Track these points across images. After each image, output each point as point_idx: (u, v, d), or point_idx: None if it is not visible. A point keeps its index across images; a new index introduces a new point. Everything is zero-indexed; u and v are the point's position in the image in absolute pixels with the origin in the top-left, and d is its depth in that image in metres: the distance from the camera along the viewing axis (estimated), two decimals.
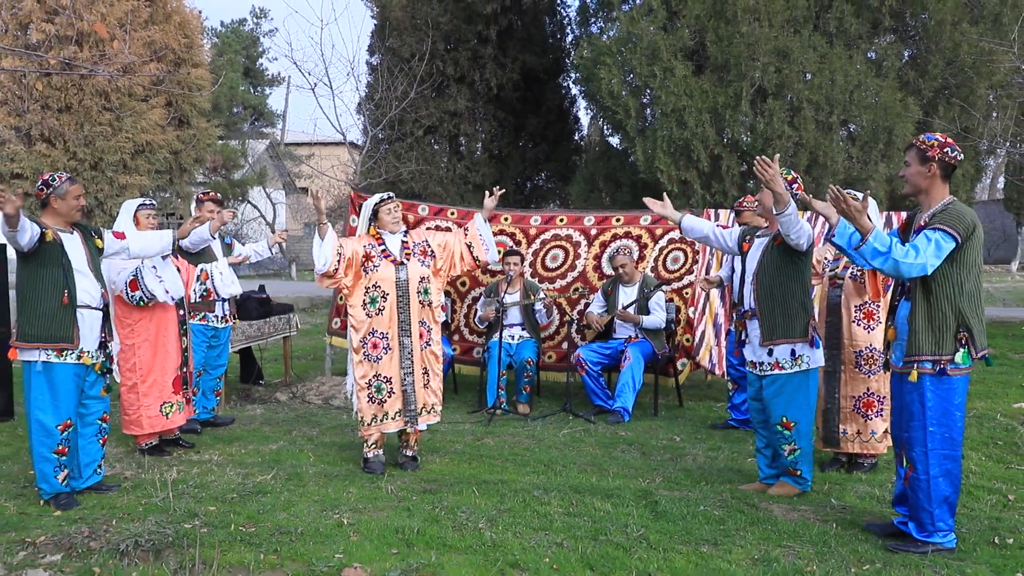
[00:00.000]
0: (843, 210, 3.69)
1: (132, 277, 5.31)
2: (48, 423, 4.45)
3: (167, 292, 5.41)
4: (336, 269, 5.11)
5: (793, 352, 4.58)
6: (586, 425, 6.64)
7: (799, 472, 4.72)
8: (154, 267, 5.40)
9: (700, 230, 5.12)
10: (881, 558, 3.78)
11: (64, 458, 4.52)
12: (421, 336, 5.26)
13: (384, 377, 5.19)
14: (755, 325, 4.70)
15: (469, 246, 5.40)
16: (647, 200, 5.18)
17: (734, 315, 4.88)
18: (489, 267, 5.40)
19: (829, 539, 4.00)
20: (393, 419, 5.22)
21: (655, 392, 7.24)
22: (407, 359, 5.20)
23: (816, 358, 4.62)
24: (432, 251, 5.36)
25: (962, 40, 10.38)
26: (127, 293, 5.31)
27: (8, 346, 4.44)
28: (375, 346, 5.19)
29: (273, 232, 24.75)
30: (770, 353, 4.63)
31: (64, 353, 4.45)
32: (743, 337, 4.86)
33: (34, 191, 4.63)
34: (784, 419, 4.62)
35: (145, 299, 5.34)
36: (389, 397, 5.20)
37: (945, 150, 3.84)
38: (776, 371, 4.62)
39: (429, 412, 5.33)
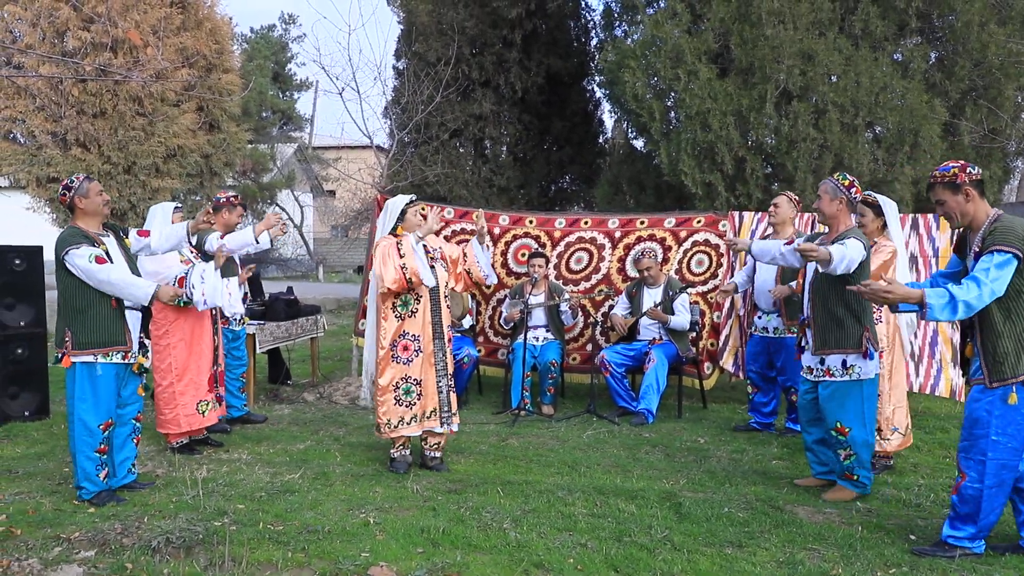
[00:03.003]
0: (890, 301, 3.72)
1: (182, 275, 5.40)
2: (91, 423, 4.52)
3: (203, 296, 5.49)
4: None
5: (844, 362, 4.63)
6: (610, 426, 6.66)
7: (856, 477, 4.74)
8: (203, 271, 5.55)
9: (769, 252, 5.15)
10: (908, 562, 3.77)
11: (105, 456, 4.61)
12: (451, 341, 5.35)
13: (414, 379, 5.21)
14: (811, 333, 4.78)
15: (468, 272, 5.48)
16: (727, 240, 5.49)
17: (799, 320, 4.99)
18: (487, 282, 5.62)
19: (855, 542, 4.00)
20: (421, 421, 5.24)
21: (679, 394, 7.24)
22: (441, 362, 5.25)
23: (868, 369, 4.63)
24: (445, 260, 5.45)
25: (990, 41, 10.24)
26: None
27: (62, 354, 4.49)
28: (406, 348, 5.20)
29: (302, 235, 24.88)
30: (822, 362, 4.70)
31: (110, 354, 4.54)
32: (803, 344, 4.91)
33: (58, 198, 4.73)
34: (839, 424, 4.67)
35: (184, 300, 5.42)
36: (419, 399, 5.22)
37: (968, 171, 3.84)
38: (828, 378, 4.67)
39: (455, 415, 5.39)
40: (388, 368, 5.22)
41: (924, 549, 3.90)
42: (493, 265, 8.05)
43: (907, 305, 3.81)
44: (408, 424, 5.23)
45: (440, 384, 5.26)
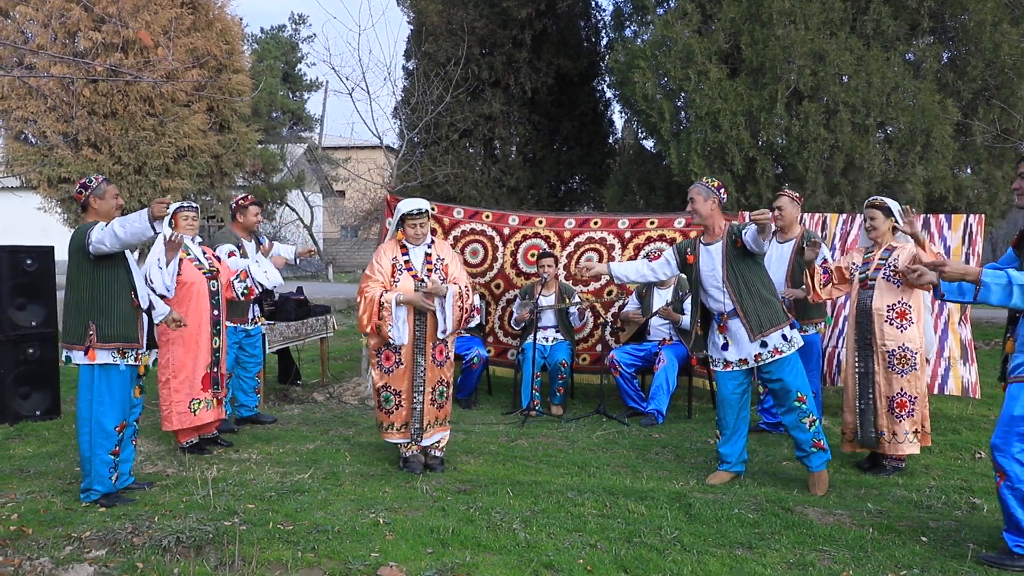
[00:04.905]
0: (947, 275, 3.59)
1: (243, 270, 5.80)
2: (108, 425, 4.54)
3: (270, 280, 6.19)
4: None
5: (784, 336, 4.88)
6: (620, 427, 6.65)
7: (822, 443, 4.94)
8: (257, 261, 6.16)
9: (637, 271, 5.45)
10: (919, 563, 3.74)
11: (117, 459, 4.62)
12: (442, 352, 5.26)
13: (394, 390, 5.22)
14: (738, 324, 4.93)
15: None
16: (584, 265, 5.52)
17: (714, 321, 5.09)
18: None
19: (865, 544, 3.97)
20: (399, 431, 5.26)
21: (689, 394, 7.22)
22: (419, 376, 5.21)
23: (798, 337, 4.99)
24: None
25: (1003, 41, 10.21)
26: (236, 285, 5.78)
27: (87, 348, 4.49)
28: (388, 358, 5.22)
29: (312, 236, 25.01)
30: (764, 344, 4.88)
31: (126, 354, 4.56)
32: (725, 340, 5.03)
33: (73, 195, 4.76)
34: (799, 394, 4.90)
35: (256, 288, 5.93)
36: (396, 409, 5.23)
37: None
38: (778, 356, 4.88)
39: (442, 424, 5.34)
40: (376, 373, 5.28)
41: (990, 557, 3.78)
42: (503, 266, 8.06)
43: (951, 293, 3.74)
44: (387, 430, 5.29)
45: (415, 400, 5.22)
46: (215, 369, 5.78)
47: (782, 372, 4.90)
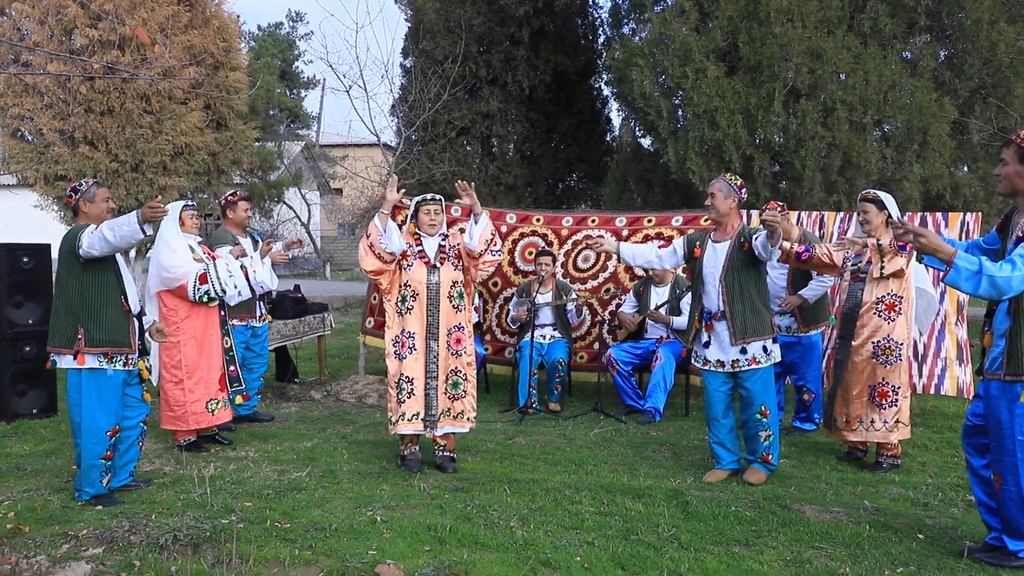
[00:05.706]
0: (922, 245, 3.43)
1: (203, 271, 5.48)
2: (99, 429, 4.51)
3: (236, 289, 5.74)
4: (399, 255, 5.15)
5: (765, 348, 4.89)
6: (617, 425, 6.66)
7: (770, 458, 5.02)
8: (227, 264, 5.76)
9: (643, 255, 5.43)
10: (916, 561, 3.75)
11: (109, 462, 4.60)
12: (459, 341, 5.25)
13: (407, 377, 5.19)
14: (724, 325, 4.94)
15: (462, 230, 5.32)
16: (595, 239, 5.43)
17: (700, 318, 5.09)
18: (484, 261, 5.26)
19: (862, 541, 3.98)
20: (410, 421, 5.20)
21: (686, 392, 7.23)
22: (432, 363, 5.19)
23: (778, 352, 5.01)
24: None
25: (999, 39, 10.23)
26: (195, 287, 5.43)
27: (76, 352, 4.46)
28: (403, 345, 5.21)
29: (309, 234, 24.95)
30: (743, 351, 4.90)
31: (114, 359, 4.53)
32: (708, 339, 5.04)
33: (64, 199, 4.74)
34: (763, 408, 4.94)
35: (215, 295, 5.54)
36: (409, 398, 5.19)
37: None
38: (755, 366, 4.90)
39: (456, 418, 5.27)
40: (391, 363, 5.25)
41: (987, 557, 3.74)
42: (500, 264, 8.05)
43: (932, 260, 3.69)
44: (399, 422, 5.23)
45: (428, 386, 5.20)
46: (232, 368, 5.79)
47: (752, 383, 4.94)
